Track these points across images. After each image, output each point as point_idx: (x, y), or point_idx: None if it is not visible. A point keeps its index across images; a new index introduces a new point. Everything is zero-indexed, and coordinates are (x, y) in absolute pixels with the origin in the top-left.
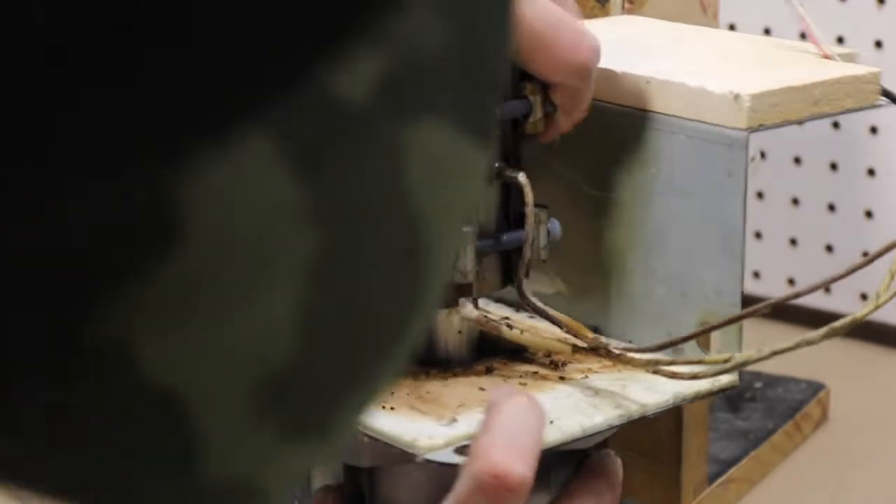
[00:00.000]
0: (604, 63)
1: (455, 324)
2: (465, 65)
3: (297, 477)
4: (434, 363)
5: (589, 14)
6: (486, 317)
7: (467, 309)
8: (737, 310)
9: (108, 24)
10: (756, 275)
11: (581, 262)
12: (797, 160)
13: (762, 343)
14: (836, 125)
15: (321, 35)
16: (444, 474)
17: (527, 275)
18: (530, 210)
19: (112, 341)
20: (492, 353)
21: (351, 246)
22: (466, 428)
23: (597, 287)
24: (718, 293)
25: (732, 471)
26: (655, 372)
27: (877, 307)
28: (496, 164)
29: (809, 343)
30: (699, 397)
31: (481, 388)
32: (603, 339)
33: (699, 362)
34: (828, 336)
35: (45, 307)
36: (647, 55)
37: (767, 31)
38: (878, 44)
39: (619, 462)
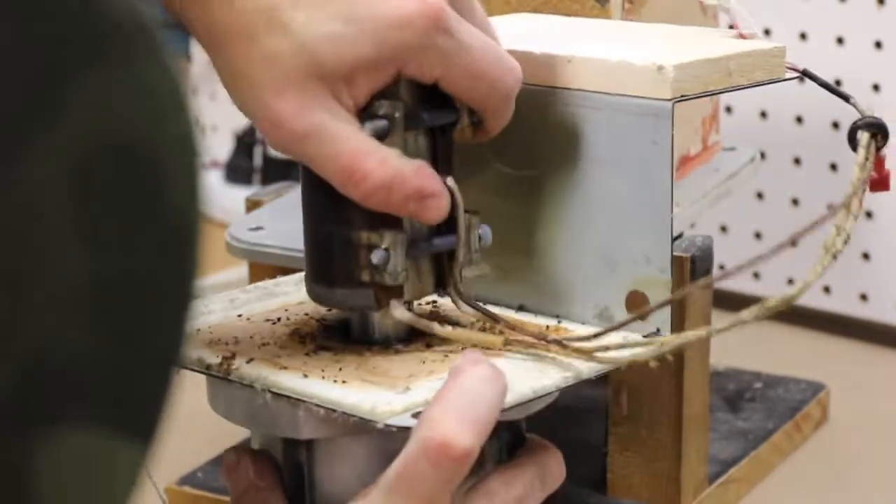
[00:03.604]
0: (522, 46)
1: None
2: (117, 371)
3: None
4: (373, 342)
5: (589, 14)
6: (417, 317)
7: (398, 311)
8: (666, 275)
9: None
10: (756, 275)
11: (503, 242)
12: (797, 160)
13: (760, 342)
14: (835, 125)
15: None
16: (384, 446)
17: (461, 279)
18: (461, 214)
19: None
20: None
21: None
22: (422, 395)
23: (521, 266)
24: (648, 259)
25: (732, 471)
26: (599, 360)
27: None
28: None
29: (743, 322)
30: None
31: (423, 362)
32: (547, 334)
33: (636, 345)
34: (759, 316)
35: None
36: (563, 40)
37: (767, 32)
38: (878, 44)
39: (558, 454)
